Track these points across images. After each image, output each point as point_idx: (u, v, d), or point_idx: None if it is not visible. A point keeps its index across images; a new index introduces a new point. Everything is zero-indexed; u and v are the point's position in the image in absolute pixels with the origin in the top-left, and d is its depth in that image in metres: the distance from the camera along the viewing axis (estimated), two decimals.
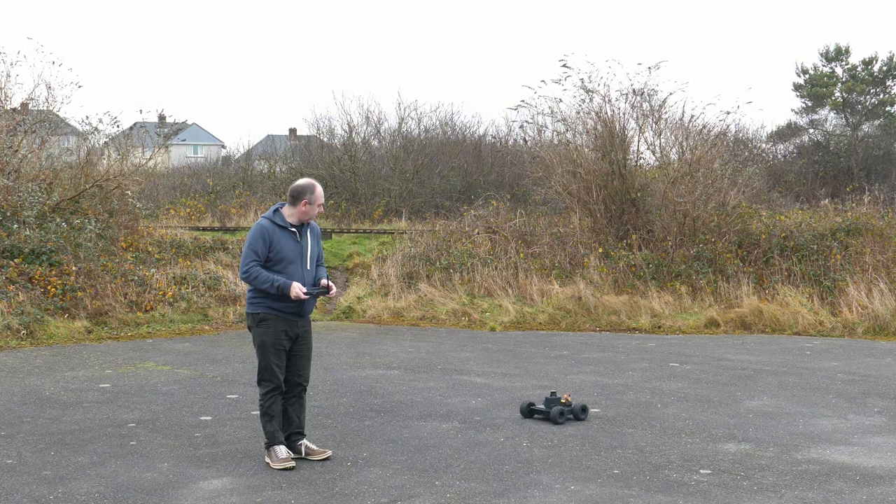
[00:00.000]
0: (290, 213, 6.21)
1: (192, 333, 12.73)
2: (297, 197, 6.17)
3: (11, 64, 15.75)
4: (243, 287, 14.73)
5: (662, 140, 17.40)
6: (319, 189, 6.23)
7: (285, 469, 6.06)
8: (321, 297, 6.37)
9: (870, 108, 30.68)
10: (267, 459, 6.21)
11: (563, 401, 7.56)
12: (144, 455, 6.42)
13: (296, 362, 6.32)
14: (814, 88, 30.52)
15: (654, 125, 17.28)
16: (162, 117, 19.00)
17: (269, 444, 6.20)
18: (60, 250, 13.43)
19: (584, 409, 7.63)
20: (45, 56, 29.69)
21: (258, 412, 6.34)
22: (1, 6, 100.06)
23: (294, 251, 6.18)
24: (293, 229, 6.19)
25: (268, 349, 6.17)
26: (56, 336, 11.91)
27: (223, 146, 48.42)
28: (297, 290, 6.04)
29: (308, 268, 6.26)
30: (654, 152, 17.65)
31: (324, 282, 6.31)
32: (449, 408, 8.02)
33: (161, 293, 13.70)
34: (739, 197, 16.40)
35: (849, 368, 10.25)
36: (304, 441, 6.37)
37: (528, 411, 7.64)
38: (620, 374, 9.77)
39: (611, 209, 16.47)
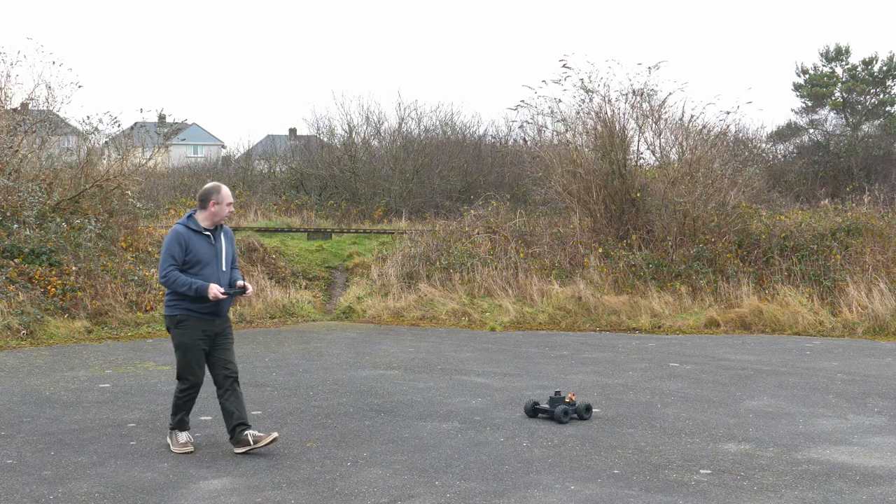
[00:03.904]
0: (202, 217, 6.48)
1: None
2: (205, 200, 6.46)
3: (11, 64, 15.77)
4: None
5: (662, 140, 17.41)
6: (226, 189, 6.51)
7: (184, 453, 6.41)
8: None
9: (870, 108, 30.63)
10: (168, 440, 6.58)
11: (567, 400, 7.58)
12: (144, 455, 6.42)
13: (220, 355, 6.56)
14: (814, 88, 30.48)
15: (653, 125, 17.28)
16: (162, 117, 19.00)
17: (173, 429, 6.55)
18: (60, 250, 13.42)
19: (588, 409, 7.64)
20: (45, 56, 29.64)
21: (175, 397, 6.64)
22: (1, 6, 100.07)
23: (209, 254, 6.45)
24: (207, 233, 6.47)
25: (187, 349, 6.46)
26: (56, 336, 11.90)
27: (223, 146, 48.39)
28: (215, 290, 6.33)
29: (224, 269, 6.53)
30: (654, 152, 17.65)
31: (240, 283, 6.58)
32: (449, 408, 8.02)
33: (161, 293, 13.69)
34: (739, 197, 16.39)
35: (849, 368, 10.25)
36: (250, 431, 6.52)
37: (533, 410, 7.65)
38: (620, 374, 9.77)
39: (611, 209, 16.47)
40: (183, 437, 6.52)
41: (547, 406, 7.59)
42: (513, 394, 8.63)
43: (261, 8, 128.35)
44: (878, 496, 5.62)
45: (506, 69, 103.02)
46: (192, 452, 6.44)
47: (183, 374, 6.51)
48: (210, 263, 6.43)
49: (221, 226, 6.57)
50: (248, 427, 6.51)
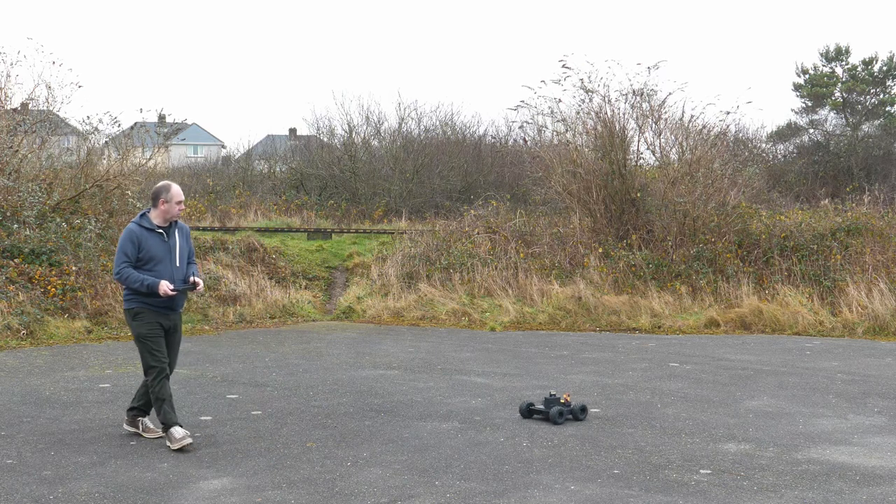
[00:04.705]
0: (154, 215, 6.74)
1: (192, 333, 12.73)
2: (155, 198, 6.72)
3: (11, 64, 15.74)
4: (243, 287, 14.73)
5: (662, 140, 17.40)
6: (175, 188, 6.75)
7: (182, 448, 6.53)
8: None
9: (870, 108, 30.63)
10: (168, 442, 6.63)
11: (562, 401, 7.56)
12: (144, 455, 6.43)
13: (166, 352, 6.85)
14: (814, 88, 30.48)
15: (653, 125, 17.27)
16: (162, 117, 18.99)
17: (167, 427, 6.65)
18: (60, 250, 13.42)
19: (584, 410, 7.62)
20: (45, 56, 29.56)
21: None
22: (1, 6, 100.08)
23: (162, 250, 6.71)
24: (160, 230, 6.73)
25: (146, 338, 6.69)
26: (56, 336, 11.90)
27: (223, 146, 48.37)
28: (165, 287, 6.58)
29: (178, 265, 6.79)
30: (654, 152, 17.65)
31: (192, 279, 6.82)
32: (449, 408, 8.02)
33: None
34: (739, 197, 16.39)
35: (849, 368, 10.25)
36: (146, 419, 6.97)
37: (528, 411, 7.63)
38: (620, 374, 9.77)
39: (611, 209, 16.47)
40: (178, 432, 6.61)
41: (542, 407, 7.56)
42: (513, 394, 8.63)
43: (261, 8, 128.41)
44: (878, 496, 5.62)
45: (506, 69, 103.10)
46: (191, 444, 6.56)
47: (148, 365, 6.72)
48: (163, 260, 6.68)
49: (176, 222, 6.82)
50: (146, 415, 6.98)
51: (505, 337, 12.81)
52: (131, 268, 6.61)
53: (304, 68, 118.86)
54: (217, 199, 21.43)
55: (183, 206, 6.78)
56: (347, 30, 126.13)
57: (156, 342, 6.70)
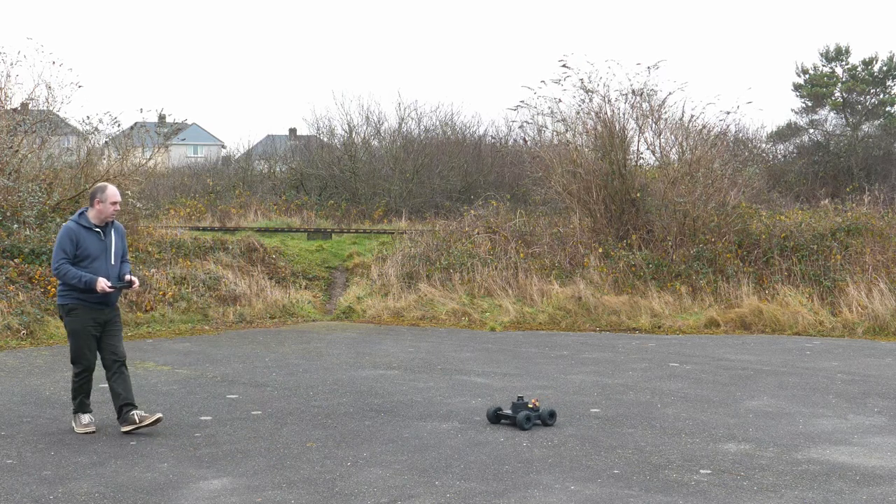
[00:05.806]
0: (92, 215, 7.01)
1: (192, 333, 12.73)
2: (92, 198, 7.02)
3: (11, 64, 15.75)
4: (243, 287, 14.74)
5: (662, 140, 17.39)
6: (111, 189, 7.04)
7: (86, 433, 6.93)
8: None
9: (870, 108, 30.62)
10: (73, 424, 7.06)
11: (530, 405, 7.35)
12: (144, 455, 6.43)
13: (108, 341, 7.07)
14: (814, 88, 30.47)
15: (653, 125, 17.26)
16: (162, 117, 18.98)
17: (76, 412, 7.06)
18: None
19: (553, 415, 7.39)
20: (45, 56, 29.46)
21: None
22: (1, 6, 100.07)
23: (98, 249, 6.97)
24: (97, 229, 7.00)
25: (78, 336, 6.98)
26: (56, 336, 11.89)
27: (223, 146, 48.35)
28: (102, 284, 6.85)
29: (112, 263, 7.04)
30: (654, 152, 17.63)
31: (127, 277, 7.09)
32: (449, 408, 8.02)
33: (161, 293, 13.69)
34: (739, 197, 16.38)
35: (849, 368, 10.25)
36: (136, 411, 7.00)
37: (495, 416, 7.41)
38: (620, 374, 9.77)
39: (611, 209, 16.46)
40: (85, 418, 7.02)
41: (509, 412, 7.36)
42: (513, 394, 8.61)
43: (261, 8, 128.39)
44: (878, 496, 5.62)
45: (506, 69, 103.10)
46: (94, 432, 6.93)
47: (75, 360, 7.03)
48: (99, 258, 6.94)
49: (113, 222, 7.08)
50: (135, 407, 7.02)
51: (505, 337, 12.81)
52: (69, 264, 6.85)
53: (304, 68, 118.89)
54: (217, 199, 21.43)
55: (118, 207, 7.03)
56: (347, 30, 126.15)
57: (87, 339, 6.97)
